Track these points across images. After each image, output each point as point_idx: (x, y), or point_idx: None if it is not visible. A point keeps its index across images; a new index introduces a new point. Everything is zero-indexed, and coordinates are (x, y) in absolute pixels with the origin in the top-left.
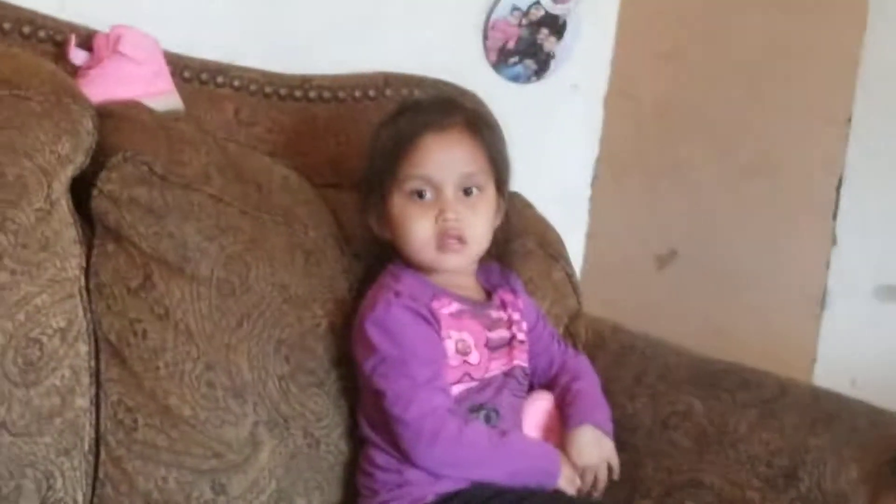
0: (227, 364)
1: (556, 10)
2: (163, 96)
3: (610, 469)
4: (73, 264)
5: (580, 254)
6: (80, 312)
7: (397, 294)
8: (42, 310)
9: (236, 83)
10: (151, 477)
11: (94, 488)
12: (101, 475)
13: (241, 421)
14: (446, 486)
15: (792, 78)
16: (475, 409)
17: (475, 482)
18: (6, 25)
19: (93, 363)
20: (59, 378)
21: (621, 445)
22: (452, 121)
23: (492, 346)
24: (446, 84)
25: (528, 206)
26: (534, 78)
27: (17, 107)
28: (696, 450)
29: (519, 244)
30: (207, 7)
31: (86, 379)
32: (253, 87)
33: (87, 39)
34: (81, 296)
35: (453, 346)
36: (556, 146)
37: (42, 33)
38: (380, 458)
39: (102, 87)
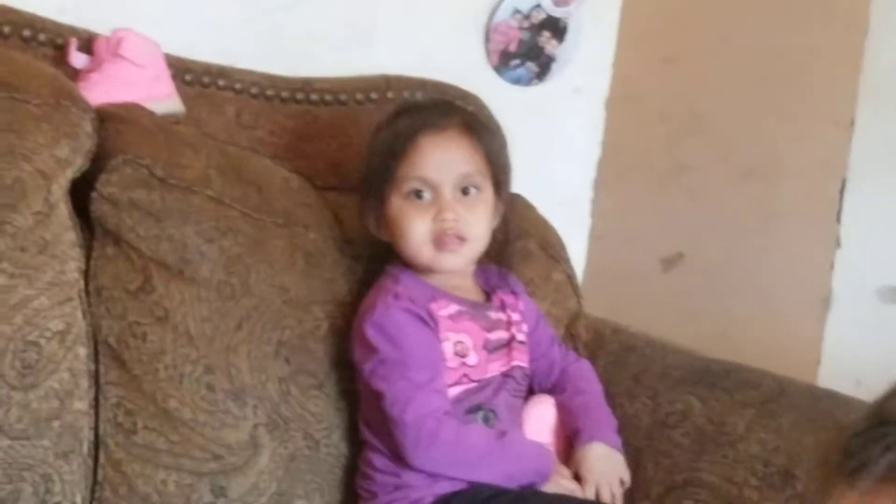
0: (227, 366)
1: (557, 12)
2: (164, 100)
3: (622, 482)
4: (72, 267)
5: (583, 256)
6: (79, 315)
7: (396, 296)
8: (41, 313)
9: (237, 86)
10: (151, 480)
11: (93, 491)
12: (100, 478)
13: (240, 423)
14: (444, 488)
15: (795, 81)
16: (473, 410)
17: (472, 483)
18: (6, 29)
19: (92, 366)
20: (57, 381)
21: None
22: (450, 122)
23: (490, 348)
24: (448, 87)
25: (529, 207)
26: (535, 80)
27: (16, 110)
28: (694, 449)
29: (520, 245)
30: (208, 10)
31: (85, 382)
32: (254, 90)
33: (88, 43)
34: (80, 299)
35: (451, 348)
36: (558, 149)
37: (42, 37)
38: (378, 460)
39: (103, 90)
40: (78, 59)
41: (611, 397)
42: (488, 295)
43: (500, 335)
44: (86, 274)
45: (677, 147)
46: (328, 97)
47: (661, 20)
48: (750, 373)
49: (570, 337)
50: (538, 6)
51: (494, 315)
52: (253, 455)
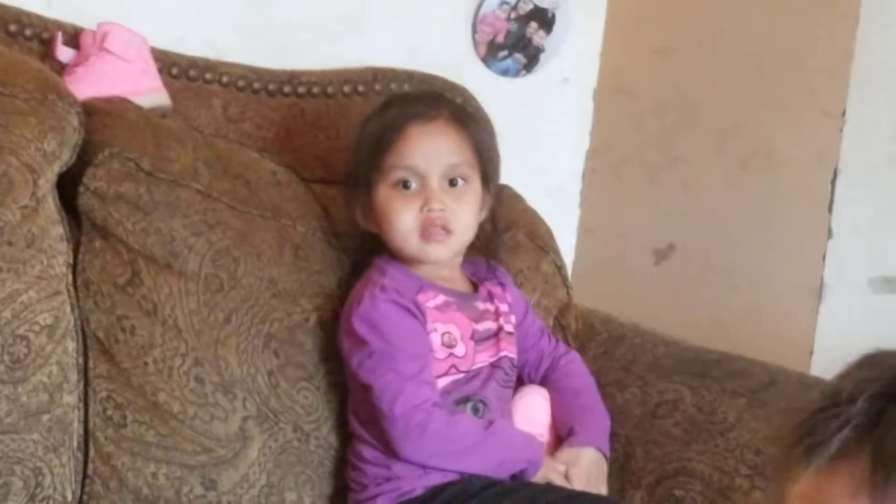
0: (215, 359)
1: (544, 3)
2: (150, 93)
3: None
4: (60, 261)
5: (572, 247)
6: (68, 309)
7: (383, 288)
8: (29, 307)
9: (224, 79)
10: (141, 473)
11: (83, 485)
12: (90, 472)
13: (230, 416)
14: (435, 479)
15: (786, 72)
16: (462, 401)
17: (463, 474)
18: None
19: (81, 360)
20: (46, 375)
21: (611, 435)
22: (438, 112)
23: (478, 338)
24: (436, 79)
25: (517, 198)
26: (523, 72)
27: (2, 104)
28: (685, 439)
29: (508, 237)
30: (194, 4)
31: (74, 376)
32: (241, 84)
33: (74, 37)
34: (69, 292)
35: (439, 339)
36: (546, 140)
37: (28, 31)
38: (368, 452)
39: (89, 84)
40: (64, 53)
41: (601, 387)
42: (476, 286)
43: (488, 325)
44: (74, 268)
45: (668, 138)
46: (315, 90)
47: (650, 11)
48: (741, 362)
49: (560, 327)
50: None
51: (482, 306)
52: (243, 448)
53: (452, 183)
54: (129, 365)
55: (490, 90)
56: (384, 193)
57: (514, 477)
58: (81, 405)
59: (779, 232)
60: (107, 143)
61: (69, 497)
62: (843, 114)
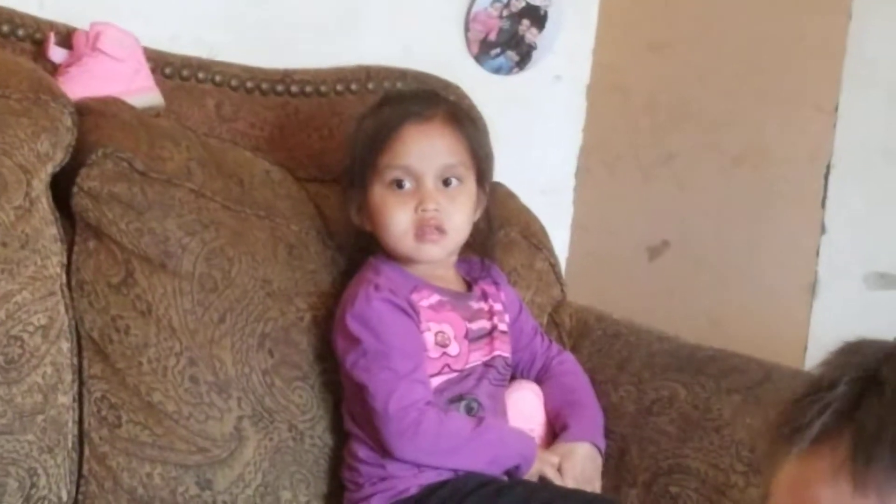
0: (210, 359)
1: (536, 0)
2: (143, 93)
3: None
4: (54, 262)
5: (565, 245)
6: (62, 309)
7: (377, 287)
8: (23, 307)
9: (217, 78)
10: (136, 473)
11: (78, 485)
12: (85, 472)
13: (225, 415)
14: (430, 478)
15: (779, 67)
16: (455, 400)
17: (458, 472)
18: None
19: (75, 360)
20: (41, 375)
21: (606, 433)
22: (434, 112)
23: (472, 337)
24: (428, 77)
25: (511, 196)
26: (516, 69)
27: None
28: (680, 436)
29: (502, 234)
30: (187, 3)
31: (68, 376)
32: (234, 83)
33: (67, 37)
34: (63, 293)
35: (433, 338)
36: (539, 137)
37: (21, 31)
38: (363, 451)
39: (82, 84)
40: (56, 53)
41: (596, 385)
42: (470, 285)
43: (482, 325)
44: (68, 268)
45: (661, 135)
46: (308, 88)
47: (642, 7)
48: (735, 359)
49: (554, 325)
50: None
51: (476, 305)
52: (238, 447)
53: (447, 183)
54: (124, 365)
55: (483, 88)
56: (379, 192)
57: (507, 473)
58: (76, 405)
59: (772, 228)
60: (100, 143)
61: (64, 497)
62: (836, 109)
